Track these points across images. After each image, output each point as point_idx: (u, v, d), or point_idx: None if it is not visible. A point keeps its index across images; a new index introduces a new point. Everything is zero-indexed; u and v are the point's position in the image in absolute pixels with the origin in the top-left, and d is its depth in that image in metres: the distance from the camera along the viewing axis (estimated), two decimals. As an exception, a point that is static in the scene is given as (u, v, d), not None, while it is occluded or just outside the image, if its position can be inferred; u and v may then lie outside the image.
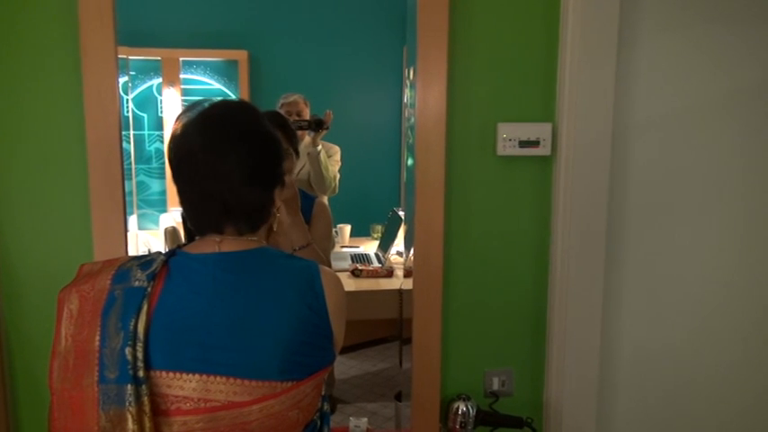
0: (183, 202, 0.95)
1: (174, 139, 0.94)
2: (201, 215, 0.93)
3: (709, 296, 1.57)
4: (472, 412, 1.45)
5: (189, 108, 0.96)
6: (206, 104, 0.95)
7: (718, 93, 1.50)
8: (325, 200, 2.74)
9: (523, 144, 1.43)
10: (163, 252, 0.95)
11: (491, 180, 1.46)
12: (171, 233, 2.98)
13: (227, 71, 3.96)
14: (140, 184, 3.93)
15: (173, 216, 3.72)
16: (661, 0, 1.45)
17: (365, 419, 1.60)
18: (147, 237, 3.57)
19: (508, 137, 1.42)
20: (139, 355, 0.84)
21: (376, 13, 3.98)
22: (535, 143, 1.44)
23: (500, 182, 1.46)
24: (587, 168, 1.43)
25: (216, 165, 0.90)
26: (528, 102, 1.45)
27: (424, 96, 1.39)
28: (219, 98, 0.99)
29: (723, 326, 1.59)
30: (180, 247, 0.97)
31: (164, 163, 3.94)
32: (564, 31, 1.41)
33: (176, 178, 0.94)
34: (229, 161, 0.90)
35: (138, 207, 3.89)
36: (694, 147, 1.52)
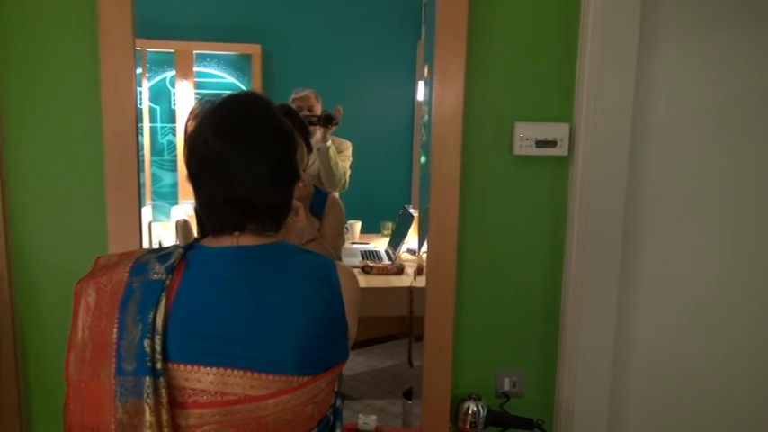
0: (203, 205, 0.93)
1: (192, 143, 0.92)
2: (224, 218, 0.92)
3: (726, 301, 1.56)
4: (482, 412, 1.45)
5: (200, 107, 0.94)
6: (215, 102, 0.93)
7: (738, 95, 1.48)
8: (337, 195, 2.74)
9: (540, 144, 1.42)
10: (180, 245, 0.94)
11: (507, 179, 1.45)
12: (182, 225, 2.99)
13: (240, 65, 3.97)
14: (152, 177, 3.95)
15: (184, 209, 3.73)
16: (683, 1, 1.43)
17: (374, 417, 1.59)
18: (159, 229, 3.58)
19: (525, 136, 1.41)
20: (158, 347, 0.84)
21: (390, 10, 3.97)
22: (552, 143, 1.42)
23: (516, 181, 1.45)
24: (604, 170, 1.41)
25: (241, 168, 0.89)
26: (546, 101, 1.43)
27: (440, 93, 1.38)
28: (229, 93, 0.97)
29: (738, 332, 1.57)
30: (198, 240, 0.97)
31: (176, 155, 3.96)
32: (584, 30, 1.40)
33: (196, 183, 0.92)
34: (256, 164, 0.89)
35: (150, 199, 3.91)
36: (713, 150, 1.50)
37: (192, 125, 0.93)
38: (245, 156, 0.89)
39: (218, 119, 0.92)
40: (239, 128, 0.91)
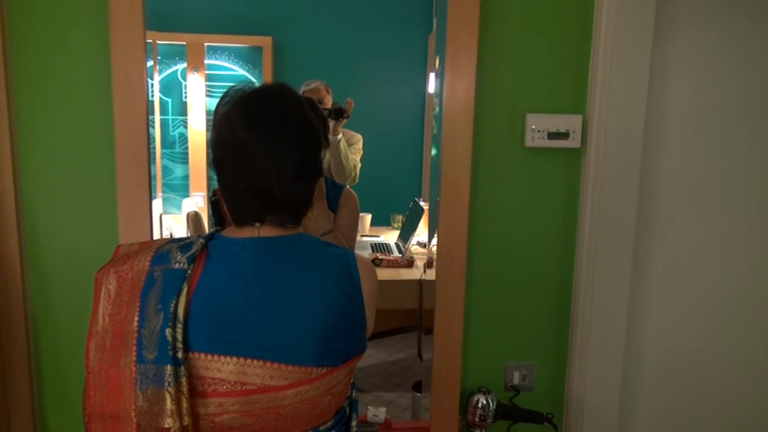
0: (227, 194, 0.94)
1: (220, 129, 0.92)
2: (246, 208, 0.92)
3: (738, 295, 1.54)
4: (492, 406, 1.44)
5: (229, 96, 0.94)
6: (246, 91, 0.93)
7: (757, 87, 1.46)
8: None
9: (552, 136, 1.41)
10: (202, 235, 0.95)
11: (518, 172, 1.44)
12: (193, 217, 3.00)
13: (251, 57, 3.96)
14: (163, 169, 3.96)
15: (195, 201, 3.75)
16: (699, -10, 1.41)
17: (383, 409, 1.60)
18: (170, 221, 3.60)
19: (537, 128, 1.40)
20: (179, 336, 0.84)
21: (401, 1, 3.95)
22: (564, 135, 1.41)
23: (527, 174, 1.44)
24: (618, 162, 1.40)
25: (266, 159, 0.89)
26: (558, 93, 1.42)
27: (452, 85, 1.37)
28: (257, 84, 0.97)
29: (752, 325, 1.55)
30: (218, 230, 0.97)
31: (187, 148, 3.97)
32: (598, 21, 1.38)
33: (221, 171, 0.92)
34: (281, 155, 0.89)
35: (162, 191, 3.93)
36: (730, 143, 1.48)
37: (222, 111, 0.93)
38: (271, 147, 0.89)
39: (248, 108, 0.92)
40: (268, 119, 0.91)
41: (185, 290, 0.86)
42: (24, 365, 1.37)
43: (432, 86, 3.77)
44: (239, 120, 0.90)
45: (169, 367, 0.83)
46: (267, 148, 0.89)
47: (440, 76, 1.45)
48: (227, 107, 0.92)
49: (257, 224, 0.92)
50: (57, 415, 1.43)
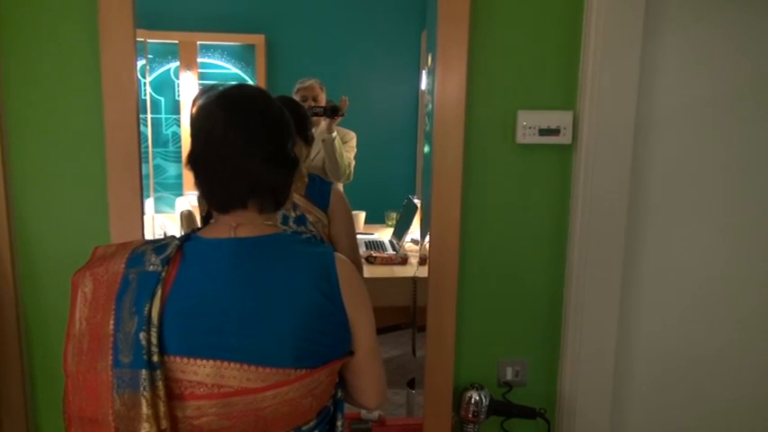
0: (208, 179, 0.93)
1: (197, 119, 0.93)
2: (230, 191, 0.92)
3: (729, 292, 1.55)
4: (485, 402, 1.45)
5: (205, 91, 0.96)
6: (220, 88, 0.95)
7: (746, 82, 1.46)
8: (341, 187, 2.73)
9: (543, 132, 1.41)
10: (177, 237, 0.94)
11: (510, 168, 1.44)
12: (186, 216, 3.00)
13: (244, 55, 3.95)
14: (157, 168, 3.95)
15: (188, 200, 3.74)
16: (689, -14, 1.41)
17: (377, 406, 1.60)
18: (163, 220, 3.59)
19: (528, 125, 1.40)
20: (153, 340, 0.84)
21: (394, -1, 3.95)
22: (555, 131, 1.41)
23: (519, 170, 1.44)
24: (608, 158, 1.40)
25: (242, 142, 0.90)
26: (549, 89, 1.42)
27: (443, 82, 1.37)
28: (234, 82, 0.99)
29: (741, 323, 1.56)
30: (194, 231, 0.96)
31: (180, 147, 3.96)
32: (588, 17, 1.38)
33: (200, 157, 0.92)
34: (254, 138, 0.90)
35: (155, 190, 3.91)
36: (720, 138, 1.48)
37: (198, 104, 0.95)
38: (243, 129, 0.90)
39: (221, 99, 0.93)
40: (240, 105, 0.92)
41: (159, 292, 0.86)
42: (17, 368, 1.37)
43: (424, 84, 3.77)
44: (215, 108, 0.91)
45: (144, 372, 0.82)
46: (242, 132, 0.90)
47: (432, 74, 1.45)
48: (204, 101, 0.93)
49: (233, 223, 0.92)
50: (49, 417, 1.43)
